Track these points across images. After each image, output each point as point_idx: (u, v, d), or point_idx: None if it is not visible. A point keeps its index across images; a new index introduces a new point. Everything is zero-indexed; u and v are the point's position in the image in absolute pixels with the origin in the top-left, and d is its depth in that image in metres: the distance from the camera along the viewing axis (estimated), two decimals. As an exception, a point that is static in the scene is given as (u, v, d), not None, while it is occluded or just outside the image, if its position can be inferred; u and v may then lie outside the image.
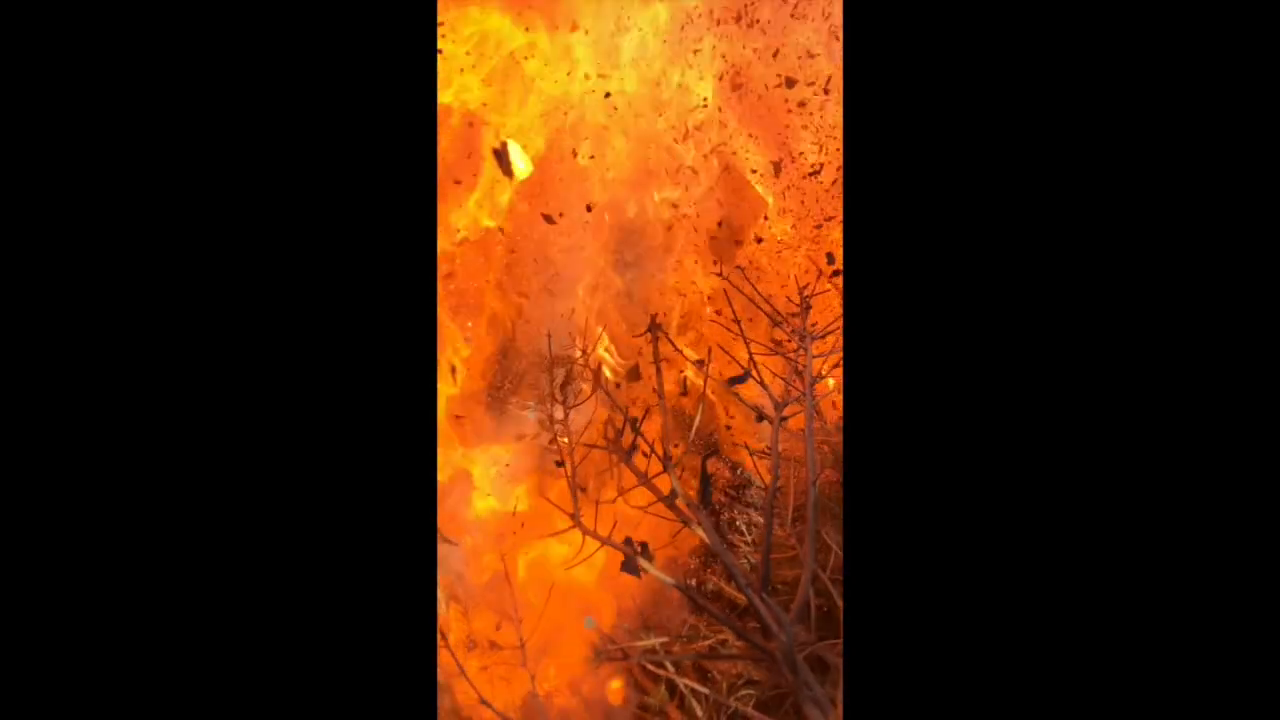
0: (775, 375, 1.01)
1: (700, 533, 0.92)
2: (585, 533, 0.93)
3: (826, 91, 1.44)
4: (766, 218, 1.47)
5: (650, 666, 1.07)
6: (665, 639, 1.02)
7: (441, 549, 1.07)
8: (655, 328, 1.10)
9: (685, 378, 1.34)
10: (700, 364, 1.26)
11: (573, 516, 0.93)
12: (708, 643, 1.08)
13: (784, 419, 0.94)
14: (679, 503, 0.93)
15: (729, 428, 1.36)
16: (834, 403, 1.29)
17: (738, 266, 1.24)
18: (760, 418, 0.99)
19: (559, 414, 1.07)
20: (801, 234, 1.50)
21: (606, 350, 1.32)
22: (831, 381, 1.24)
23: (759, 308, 1.09)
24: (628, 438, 1.04)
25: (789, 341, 1.00)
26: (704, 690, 1.06)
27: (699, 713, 1.03)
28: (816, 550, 0.91)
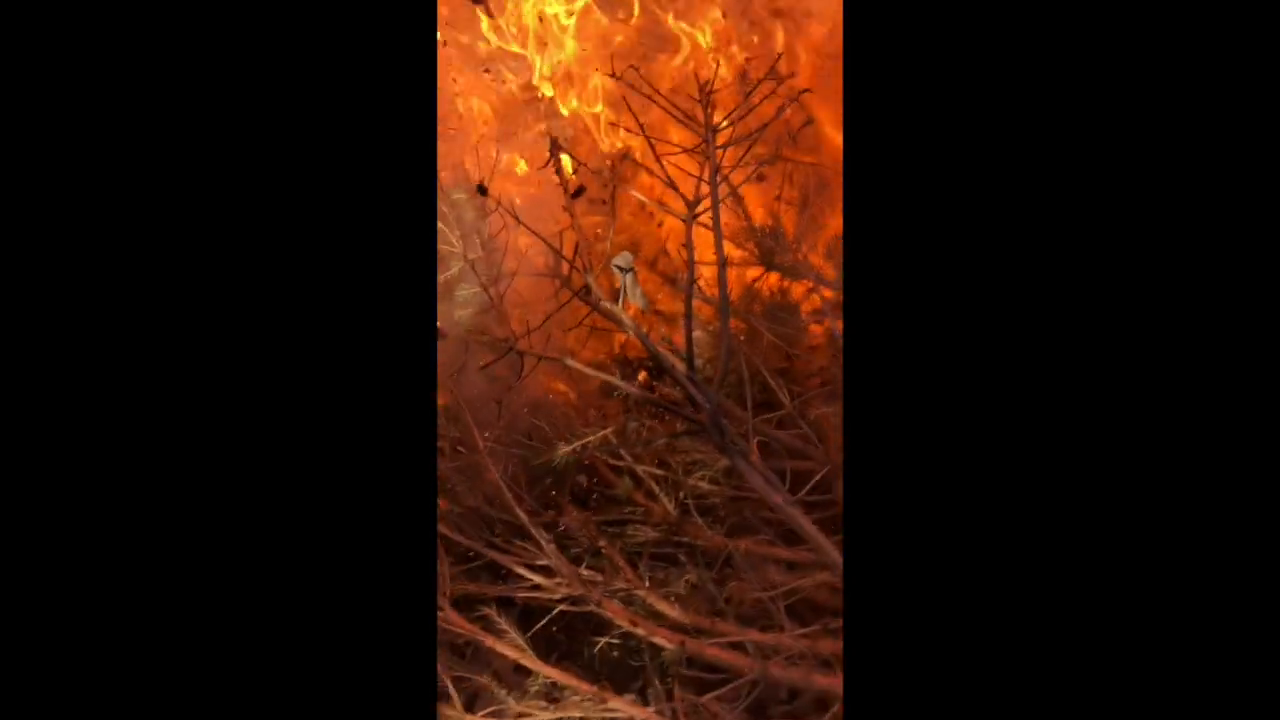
0: (690, 174, 1.11)
1: (627, 326, 1.05)
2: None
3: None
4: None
5: (610, 460, 1.26)
6: (613, 428, 1.20)
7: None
8: (556, 148, 1.16)
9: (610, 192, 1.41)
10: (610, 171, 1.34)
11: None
12: (651, 430, 1.26)
13: (695, 216, 1.06)
14: (604, 305, 1.07)
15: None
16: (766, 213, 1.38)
17: (631, 66, 1.25)
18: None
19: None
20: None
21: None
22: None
23: (656, 103, 1.11)
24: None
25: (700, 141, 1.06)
26: (662, 473, 1.25)
27: (663, 496, 1.22)
28: (728, 327, 1.07)
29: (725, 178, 1.09)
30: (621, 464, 1.31)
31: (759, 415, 1.27)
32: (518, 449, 1.26)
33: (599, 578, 1.15)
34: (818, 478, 1.08)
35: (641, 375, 1.39)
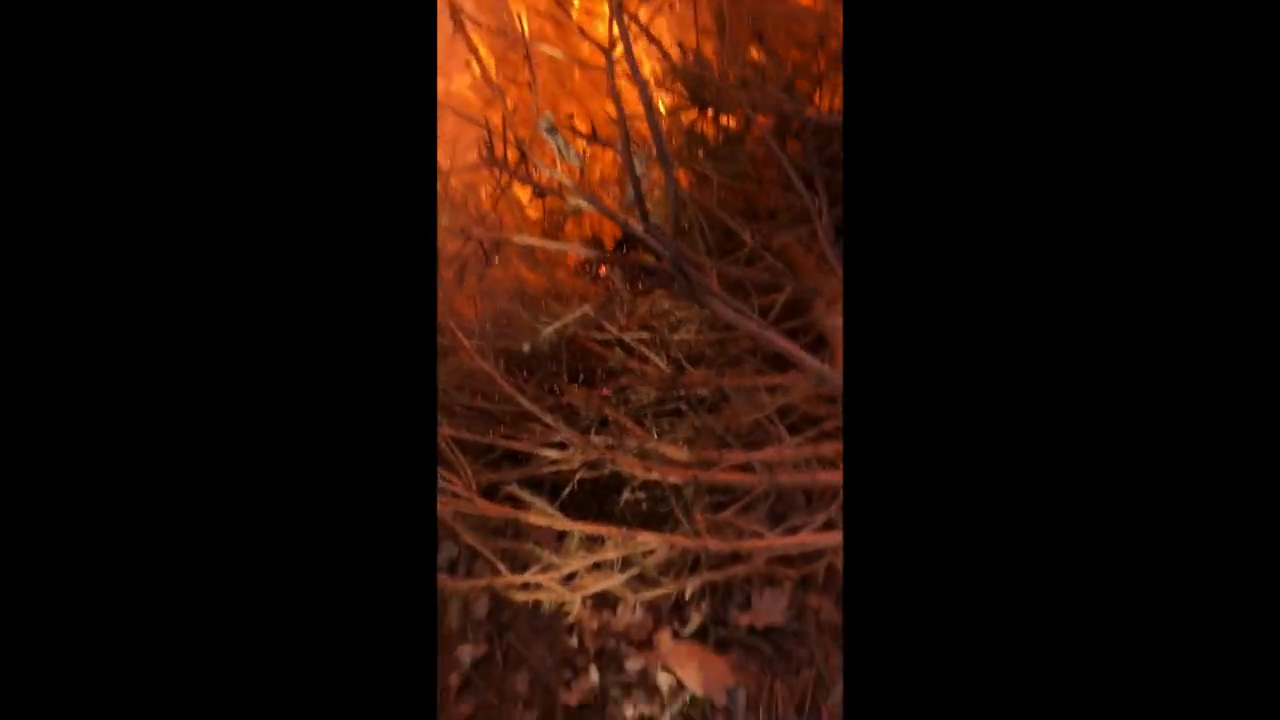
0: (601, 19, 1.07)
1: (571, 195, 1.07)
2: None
3: None
4: None
5: (597, 336, 1.32)
6: (592, 303, 1.25)
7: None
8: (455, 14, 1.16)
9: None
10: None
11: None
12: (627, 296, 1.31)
13: (613, 63, 1.03)
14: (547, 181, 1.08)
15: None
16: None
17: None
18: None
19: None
20: None
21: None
22: None
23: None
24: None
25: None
26: (649, 336, 1.31)
27: (654, 358, 1.29)
28: (672, 176, 1.08)
29: (634, 17, 1.06)
30: (609, 337, 1.37)
31: (725, 257, 1.30)
32: (504, 341, 1.31)
33: (611, 440, 1.22)
34: (783, 297, 1.13)
35: (605, 243, 1.41)
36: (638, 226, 1.12)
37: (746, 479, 1.10)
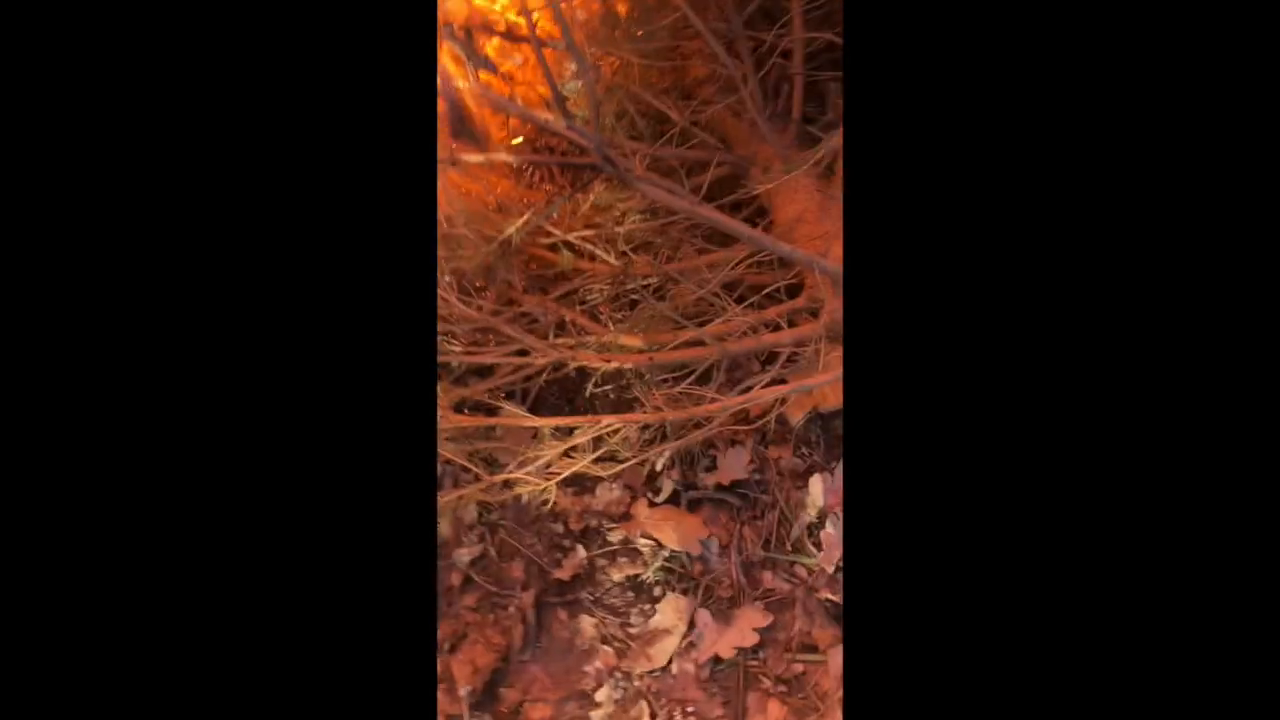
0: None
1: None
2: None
3: None
4: None
5: (542, 241, 1.33)
6: (532, 209, 1.26)
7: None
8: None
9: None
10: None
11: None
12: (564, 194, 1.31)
13: None
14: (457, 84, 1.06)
15: None
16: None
17: None
18: None
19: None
20: None
21: None
22: None
23: None
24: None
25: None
26: (594, 233, 1.32)
27: (601, 253, 1.31)
28: (586, 66, 1.06)
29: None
30: (555, 239, 1.37)
31: (657, 140, 1.28)
32: (455, 262, 1.32)
33: (571, 340, 1.25)
34: (710, 172, 1.13)
35: (518, 139, 1.39)
36: (562, 125, 1.10)
37: (699, 353, 1.13)
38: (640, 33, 1.33)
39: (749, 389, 1.06)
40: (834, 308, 0.99)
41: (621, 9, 1.34)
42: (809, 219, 1.07)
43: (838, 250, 1.00)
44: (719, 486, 1.10)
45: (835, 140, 1.10)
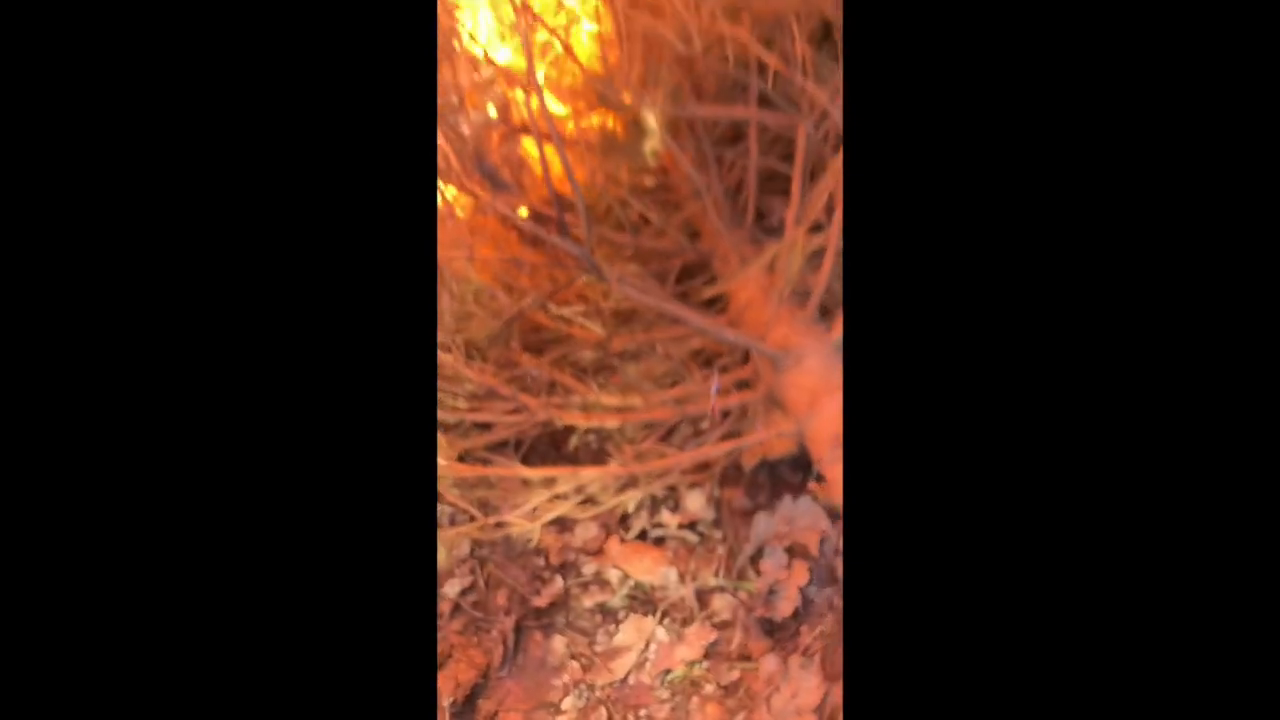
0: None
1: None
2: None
3: None
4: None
5: (541, 311, 1.56)
6: (532, 296, 1.49)
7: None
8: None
9: None
10: None
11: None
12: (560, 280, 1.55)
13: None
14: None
15: None
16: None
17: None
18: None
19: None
20: None
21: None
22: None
23: None
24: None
25: None
26: (584, 307, 1.55)
27: (589, 324, 1.52)
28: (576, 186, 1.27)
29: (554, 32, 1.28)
30: (551, 310, 1.60)
31: (639, 233, 1.53)
32: (463, 334, 1.54)
33: (560, 400, 1.46)
34: (678, 267, 1.36)
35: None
36: (558, 239, 1.34)
37: (666, 414, 1.33)
38: (628, 150, 1.61)
39: (703, 443, 1.26)
40: (770, 380, 1.20)
41: (619, 129, 1.62)
42: (756, 304, 1.29)
43: (776, 334, 1.22)
44: (680, 525, 1.27)
45: (778, 244, 1.34)
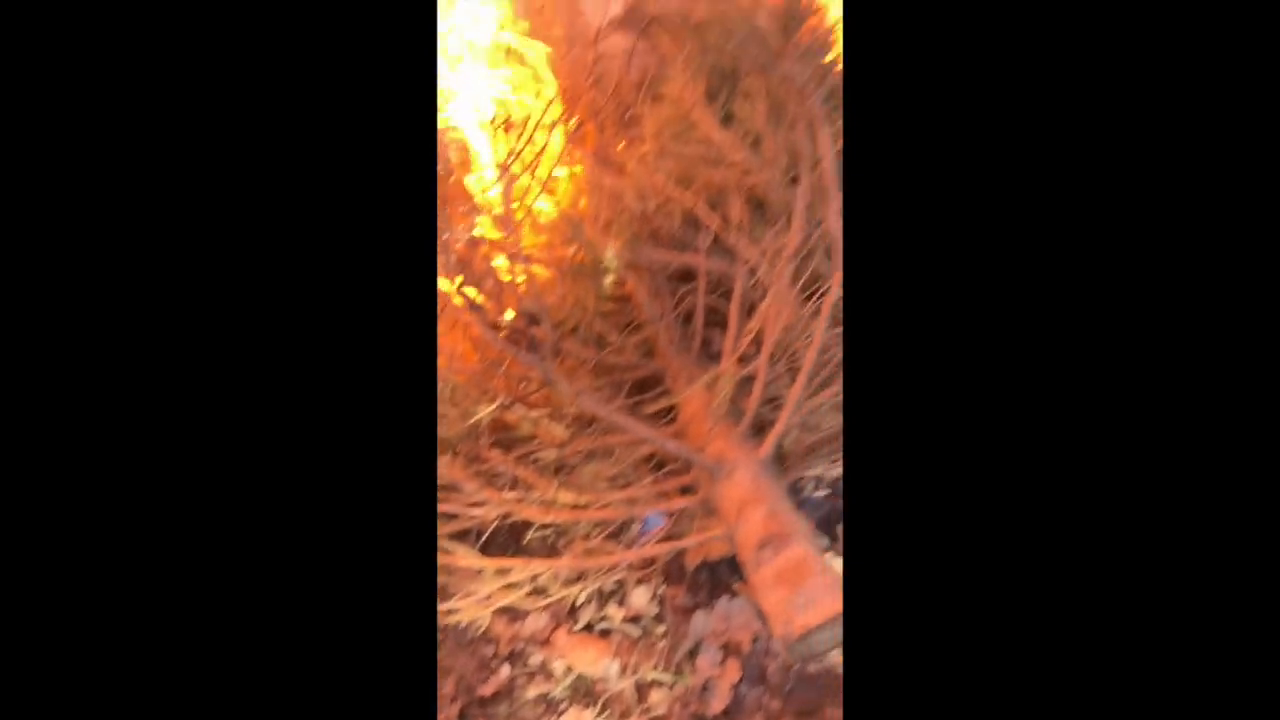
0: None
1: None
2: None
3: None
4: None
5: (509, 410, 1.70)
6: (502, 398, 1.64)
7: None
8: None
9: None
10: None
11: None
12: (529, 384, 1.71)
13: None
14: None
15: None
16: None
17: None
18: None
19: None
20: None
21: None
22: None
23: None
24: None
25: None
26: (549, 410, 1.69)
27: (552, 426, 1.66)
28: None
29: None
30: (520, 416, 1.75)
31: (603, 349, 1.72)
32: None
33: (521, 495, 1.58)
34: (631, 381, 1.54)
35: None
36: (533, 360, 1.53)
37: (617, 513, 1.46)
38: (592, 280, 1.84)
39: (646, 543, 1.38)
40: (708, 490, 1.35)
41: (586, 263, 1.86)
42: (699, 419, 1.46)
43: (714, 447, 1.38)
44: (625, 619, 1.37)
45: (720, 366, 1.53)
